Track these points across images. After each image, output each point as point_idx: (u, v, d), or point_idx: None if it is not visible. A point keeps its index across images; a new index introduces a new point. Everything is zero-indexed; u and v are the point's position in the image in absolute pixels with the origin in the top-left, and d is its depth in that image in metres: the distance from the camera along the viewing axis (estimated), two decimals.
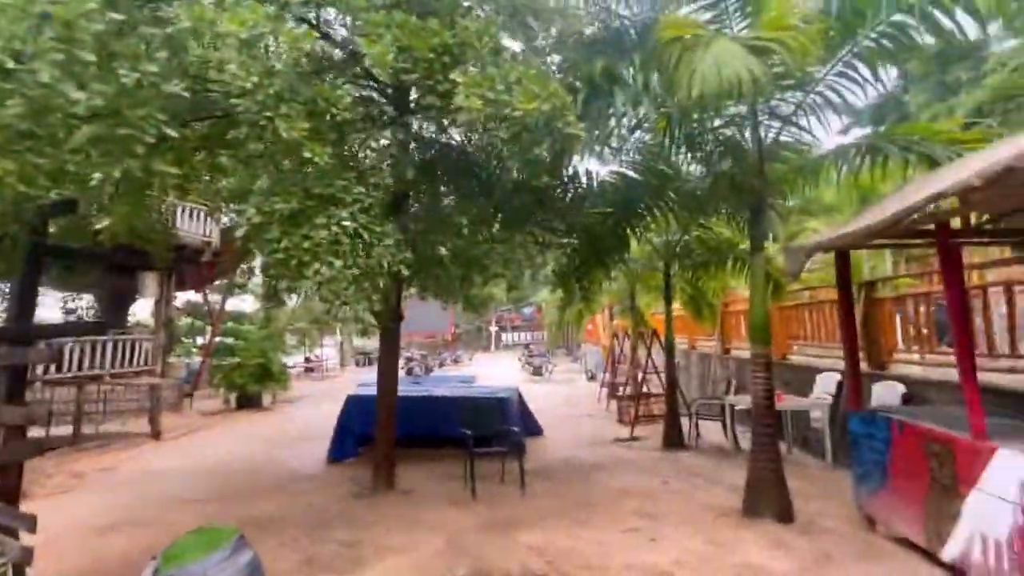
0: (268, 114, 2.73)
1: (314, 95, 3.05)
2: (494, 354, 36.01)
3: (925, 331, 5.64)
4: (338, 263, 3.02)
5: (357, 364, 27.80)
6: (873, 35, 3.86)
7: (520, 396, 8.30)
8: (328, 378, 21.75)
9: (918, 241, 3.99)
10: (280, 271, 3.10)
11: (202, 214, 10.82)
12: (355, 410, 7.38)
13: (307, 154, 2.87)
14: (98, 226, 4.09)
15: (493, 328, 39.93)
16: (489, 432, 6.06)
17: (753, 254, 4.72)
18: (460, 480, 5.77)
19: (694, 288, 8.66)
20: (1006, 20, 4.40)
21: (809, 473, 6.01)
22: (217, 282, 15.42)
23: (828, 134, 6.19)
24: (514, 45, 4.18)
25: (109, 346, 9.96)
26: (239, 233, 3.07)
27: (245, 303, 23.20)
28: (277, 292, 7.99)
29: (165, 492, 5.91)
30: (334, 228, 3.06)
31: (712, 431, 7.97)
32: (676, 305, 14.60)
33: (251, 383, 12.09)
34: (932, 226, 3.05)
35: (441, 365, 24.69)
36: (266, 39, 2.80)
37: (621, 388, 10.30)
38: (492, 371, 20.44)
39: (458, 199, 4.41)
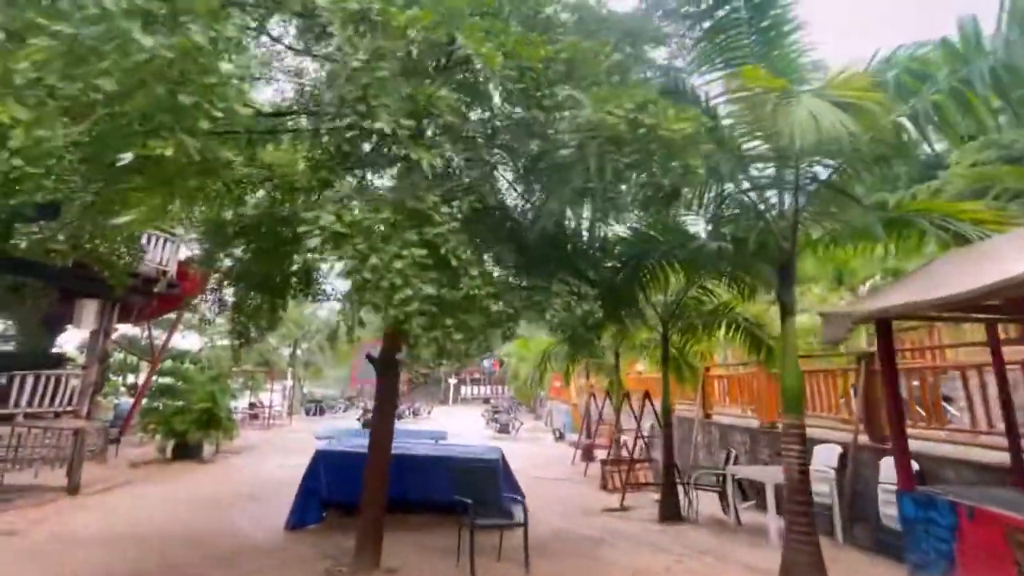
0: (372, 103, 2.33)
1: (413, 93, 2.68)
2: (453, 408, 34.60)
3: (919, 407, 5.60)
4: (429, 289, 2.53)
5: (307, 413, 25.88)
6: (912, 109, 3.96)
7: (504, 458, 7.68)
8: (274, 427, 20.01)
9: (973, 316, 3.94)
10: (362, 296, 2.56)
11: (163, 241, 9.92)
12: (325, 468, 6.54)
13: (414, 156, 2.46)
14: (119, 220, 3.39)
15: (452, 380, 38.58)
16: (482, 499, 5.43)
17: (784, 319, 4.57)
18: (452, 555, 5.06)
19: (678, 350, 8.51)
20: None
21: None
22: (164, 315, 14.11)
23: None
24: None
25: (28, 381, 8.61)
26: (311, 244, 2.55)
27: (187, 340, 21.41)
28: (247, 329, 7.14)
29: (82, 566, 4.82)
30: (421, 250, 2.59)
31: (704, 502, 7.56)
32: (641, 366, 14.46)
33: (194, 430, 10.74)
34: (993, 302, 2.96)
35: (399, 418, 23.35)
36: (371, 15, 2.44)
37: (607, 452, 9.80)
38: (456, 427, 19.41)
39: (492, 240, 4.05)
